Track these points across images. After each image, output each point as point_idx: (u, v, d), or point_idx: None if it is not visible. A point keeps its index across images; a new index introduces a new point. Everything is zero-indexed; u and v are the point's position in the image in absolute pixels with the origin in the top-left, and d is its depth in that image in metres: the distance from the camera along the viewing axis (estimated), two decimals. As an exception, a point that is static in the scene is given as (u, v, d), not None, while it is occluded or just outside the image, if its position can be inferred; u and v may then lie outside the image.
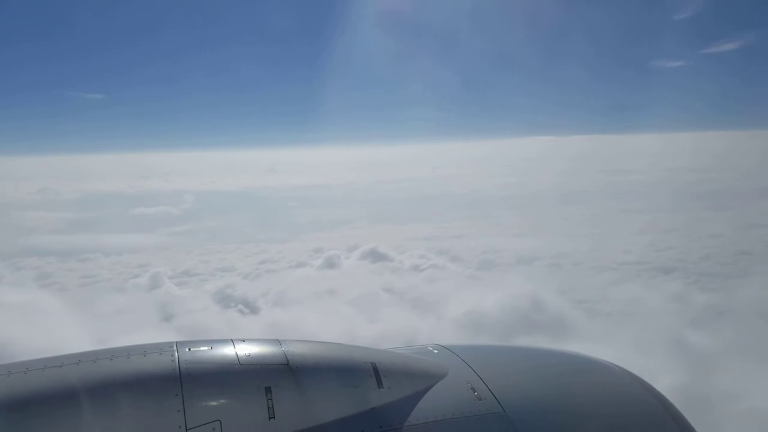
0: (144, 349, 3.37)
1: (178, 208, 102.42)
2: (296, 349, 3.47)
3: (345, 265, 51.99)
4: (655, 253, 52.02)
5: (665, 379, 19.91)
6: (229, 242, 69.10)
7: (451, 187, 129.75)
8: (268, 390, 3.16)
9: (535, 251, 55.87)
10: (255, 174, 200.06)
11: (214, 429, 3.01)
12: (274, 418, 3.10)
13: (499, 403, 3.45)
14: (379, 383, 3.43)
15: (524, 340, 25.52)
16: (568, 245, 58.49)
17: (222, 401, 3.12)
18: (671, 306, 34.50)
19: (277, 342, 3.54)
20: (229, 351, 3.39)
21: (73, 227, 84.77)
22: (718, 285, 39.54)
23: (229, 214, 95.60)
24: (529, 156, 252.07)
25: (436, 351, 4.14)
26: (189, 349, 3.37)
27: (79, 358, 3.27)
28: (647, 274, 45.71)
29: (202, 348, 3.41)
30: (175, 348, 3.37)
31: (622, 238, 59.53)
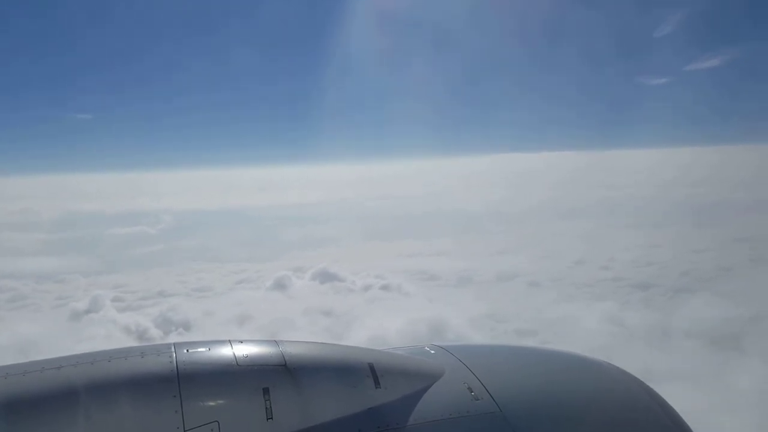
0: (142, 351, 3.41)
1: (155, 228, 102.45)
2: (294, 350, 3.52)
3: (296, 285, 51.77)
4: (635, 269, 52.18)
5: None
6: (208, 262, 68.98)
7: (443, 203, 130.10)
8: (265, 391, 3.21)
9: (516, 268, 56.02)
10: (246, 192, 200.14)
11: (212, 430, 3.06)
12: (271, 418, 3.14)
13: (495, 402, 3.49)
14: (377, 383, 3.48)
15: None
16: (552, 262, 58.76)
17: (220, 402, 3.16)
18: (605, 327, 34.42)
19: (275, 343, 3.59)
20: (226, 352, 3.43)
21: (52, 248, 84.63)
22: (679, 303, 39.60)
23: (213, 234, 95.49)
24: (519, 171, 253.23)
25: (432, 351, 4.19)
26: (187, 351, 3.41)
27: (77, 360, 3.30)
28: (623, 291, 45.81)
29: (199, 349, 3.46)
30: (172, 349, 3.41)
31: (607, 253, 59.76)
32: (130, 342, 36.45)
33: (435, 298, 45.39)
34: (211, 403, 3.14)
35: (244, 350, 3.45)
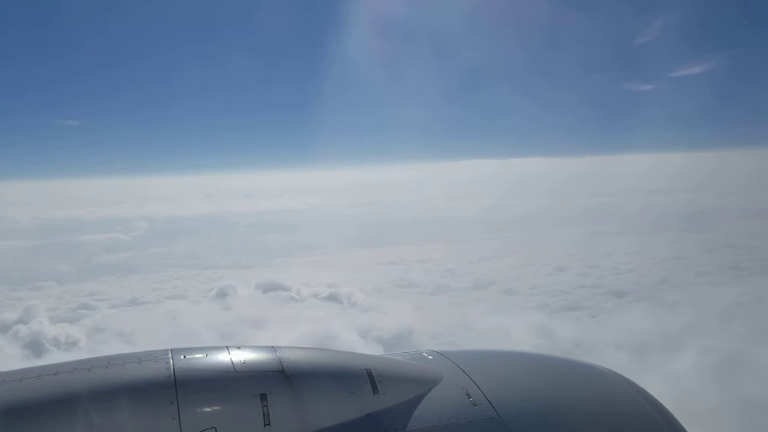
0: (139, 357, 3.43)
1: (137, 235, 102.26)
2: (291, 356, 3.54)
3: (239, 294, 51.82)
4: (614, 277, 52.54)
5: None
6: (186, 269, 68.98)
7: (434, 209, 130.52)
8: (263, 397, 3.22)
9: (495, 276, 56.38)
10: (234, 198, 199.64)
11: None
12: (269, 425, 3.15)
13: (493, 408, 3.51)
14: (375, 389, 3.48)
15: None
16: (533, 269, 59.06)
17: (217, 408, 3.18)
18: (531, 339, 34.44)
19: (272, 348, 3.61)
20: (224, 358, 3.46)
21: (31, 255, 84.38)
22: (641, 312, 39.80)
23: (198, 240, 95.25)
24: (510, 177, 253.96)
25: (430, 357, 4.21)
26: (184, 357, 3.43)
27: (74, 366, 3.32)
28: (601, 298, 46.12)
29: (197, 355, 3.48)
30: (170, 355, 3.43)
31: (589, 260, 60.11)
32: (19, 360, 35.75)
33: (379, 308, 45.84)
34: (209, 410, 3.16)
35: (241, 356, 3.47)
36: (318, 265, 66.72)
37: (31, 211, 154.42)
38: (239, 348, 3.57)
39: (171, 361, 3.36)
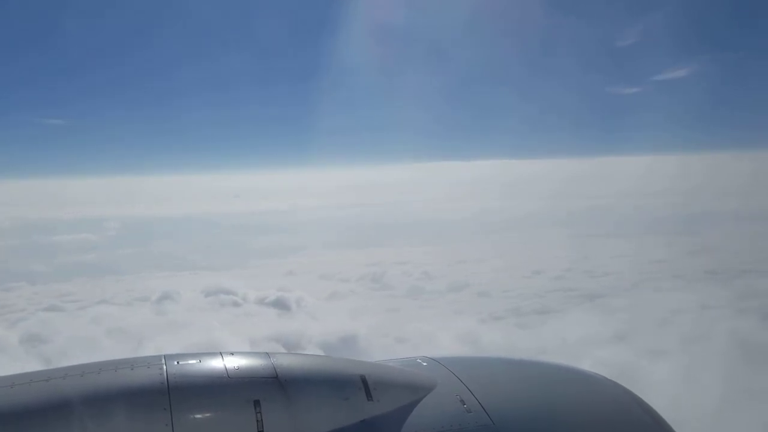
0: (132, 363, 3.46)
1: (114, 235, 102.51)
2: (285, 362, 3.58)
3: (183, 299, 51.88)
4: (590, 279, 53.05)
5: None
6: (162, 270, 69.26)
7: (429, 210, 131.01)
8: (256, 403, 3.24)
9: (472, 278, 56.79)
10: (227, 198, 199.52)
11: None
12: (263, 431, 3.18)
13: (488, 415, 3.53)
14: (369, 396, 3.52)
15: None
16: (512, 271, 59.46)
17: (210, 415, 3.22)
18: (464, 345, 34.70)
19: (266, 355, 3.65)
20: (217, 364, 3.50)
21: (2, 255, 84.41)
22: (584, 318, 40.17)
23: (176, 241, 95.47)
24: (503, 179, 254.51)
25: (425, 363, 4.25)
26: (177, 363, 3.47)
27: (66, 372, 3.35)
28: (574, 301, 46.59)
29: (190, 361, 3.52)
30: (163, 361, 3.46)
31: (567, 263, 60.62)
32: None
33: (322, 313, 45.85)
34: (202, 416, 3.21)
35: (235, 362, 3.53)
36: (296, 267, 67.14)
37: (10, 210, 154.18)
38: (233, 354, 3.64)
39: (164, 367, 3.41)
